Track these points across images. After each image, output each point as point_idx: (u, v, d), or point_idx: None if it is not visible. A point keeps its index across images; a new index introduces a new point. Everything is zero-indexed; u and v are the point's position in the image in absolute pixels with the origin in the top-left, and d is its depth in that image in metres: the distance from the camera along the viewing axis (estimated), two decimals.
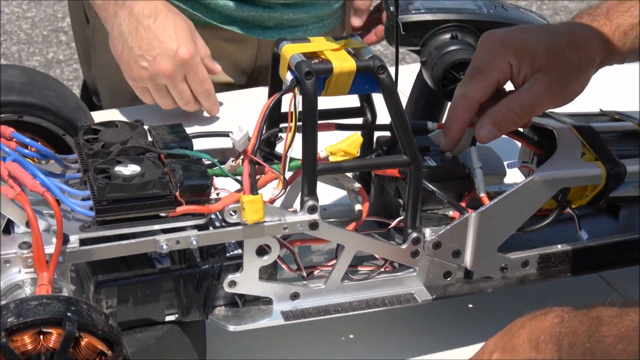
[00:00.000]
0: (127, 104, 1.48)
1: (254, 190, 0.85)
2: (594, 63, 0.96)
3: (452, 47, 1.08)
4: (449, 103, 0.99)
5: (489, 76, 0.95)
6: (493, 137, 0.95)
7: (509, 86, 0.98)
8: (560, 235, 1.02)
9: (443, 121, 1.00)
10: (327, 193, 1.00)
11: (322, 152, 0.90)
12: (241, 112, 1.44)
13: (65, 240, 0.81)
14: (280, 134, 0.96)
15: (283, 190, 0.87)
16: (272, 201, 0.89)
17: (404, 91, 1.33)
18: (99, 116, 1.24)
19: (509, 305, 1.03)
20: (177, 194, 0.85)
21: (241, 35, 1.51)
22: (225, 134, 0.95)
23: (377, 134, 1.01)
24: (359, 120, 1.00)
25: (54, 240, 0.80)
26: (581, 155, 0.99)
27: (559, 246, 1.01)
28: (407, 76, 1.22)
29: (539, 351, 0.80)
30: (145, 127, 0.94)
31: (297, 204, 0.92)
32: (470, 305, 1.06)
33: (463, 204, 0.97)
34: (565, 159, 0.97)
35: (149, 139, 0.92)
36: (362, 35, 1.47)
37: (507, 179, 1.03)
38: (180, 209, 0.85)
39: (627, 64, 1.02)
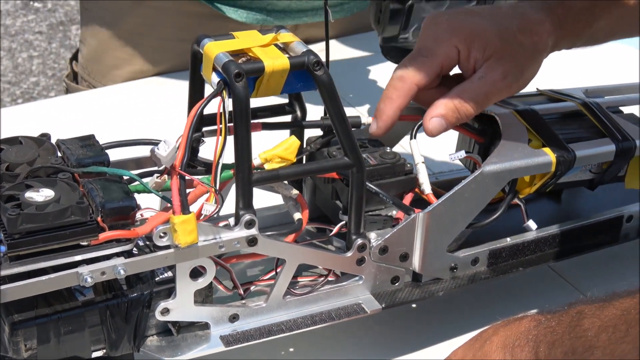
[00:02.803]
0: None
1: (185, 209, 0.76)
2: (547, 48, 0.90)
3: None
4: None
5: (432, 60, 0.87)
6: (443, 130, 0.88)
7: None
8: (507, 226, 0.96)
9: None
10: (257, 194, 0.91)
11: (255, 159, 0.82)
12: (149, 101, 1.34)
13: None
14: (202, 138, 0.88)
15: (218, 207, 0.78)
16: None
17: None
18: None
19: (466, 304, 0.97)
20: (99, 219, 0.75)
21: (241, 26, 1.40)
22: (144, 142, 0.86)
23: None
24: (287, 118, 0.92)
25: None
26: (528, 142, 0.93)
27: (509, 239, 0.95)
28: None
29: (514, 356, 0.74)
30: (53, 142, 0.84)
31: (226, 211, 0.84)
32: (414, 305, 1.00)
33: (407, 203, 0.89)
34: (513, 148, 0.91)
35: (59, 154, 0.83)
36: None
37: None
38: (103, 236, 0.75)
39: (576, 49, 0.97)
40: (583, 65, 1.40)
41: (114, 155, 0.85)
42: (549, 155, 0.91)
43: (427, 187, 0.90)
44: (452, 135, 1.00)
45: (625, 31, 0.98)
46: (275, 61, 0.78)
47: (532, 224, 0.95)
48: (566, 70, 1.01)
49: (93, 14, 1.49)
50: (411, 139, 0.92)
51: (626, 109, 1.05)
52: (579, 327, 0.70)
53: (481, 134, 0.96)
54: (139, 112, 1.38)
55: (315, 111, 0.93)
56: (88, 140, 0.84)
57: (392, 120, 0.89)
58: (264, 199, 1.03)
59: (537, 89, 1.05)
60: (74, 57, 1.56)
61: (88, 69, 1.52)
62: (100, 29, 1.48)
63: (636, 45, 1.56)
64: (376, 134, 0.90)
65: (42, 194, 0.75)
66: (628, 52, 1.54)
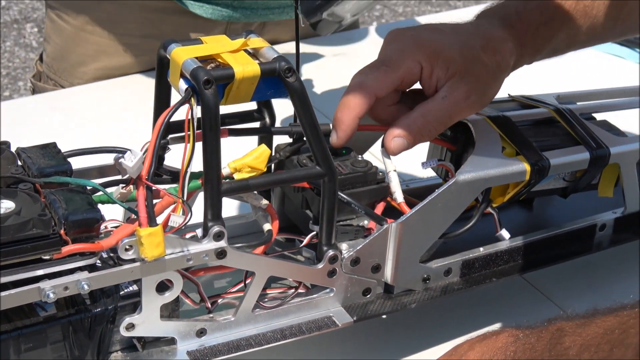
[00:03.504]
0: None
1: (152, 221, 0.73)
2: (509, 66, 0.89)
3: None
4: None
5: (394, 71, 0.85)
6: (404, 150, 0.85)
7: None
8: (479, 235, 0.94)
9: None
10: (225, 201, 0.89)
11: (224, 168, 0.79)
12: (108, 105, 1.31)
13: None
14: (168, 146, 0.85)
15: (186, 219, 0.75)
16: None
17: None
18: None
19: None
20: (62, 231, 0.72)
21: (207, 22, 1.37)
22: (108, 150, 0.83)
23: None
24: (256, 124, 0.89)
25: None
26: (502, 149, 0.91)
27: (482, 249, 0.93)
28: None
29: None
30: (13, 150, 0.80)
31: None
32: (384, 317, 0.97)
33: (379, 213, 0.87)
34: (487, 156, 0.89)
35: (19, 163, 0.79)
36: None
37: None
38: (66, 249, 0.72)
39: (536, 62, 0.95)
40: (555, 71, 1.39)
41: (78, 163, 0.82)
42: (523, 164, 0.89)
43: (399, 196, 0.87)
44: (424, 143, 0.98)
45: (585, 41, 0.97)
46: (245, 67, 0.75)
47: (505, 233, 0.93)
48: (538, 76, 0.99)
49: (56, 11, 1.46)
50: (382, 146, 0.89)
51: (599, 115, 1.03)
52: (559, 345, 0.68)
53: (453, 142, 0.94)
54: (106, 114, 1.35)
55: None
56: (50, 149, 0.81)
57: (351, 129, 0.86)
58: (232, 205, 1.00)
59: (508, 94, 1.03)
60: (40, 58, 1.53)
61: (54, 67, 1.49)
62: (64, 26, 1.45)
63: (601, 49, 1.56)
64: (337, 145, 0.86)
65: (1, 206, 0.72)
66: (601, 58, 1.54)
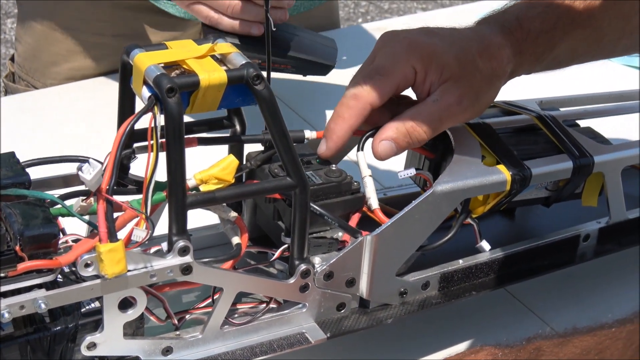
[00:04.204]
0: None
1: (112, 236, 0.69)
2: (505, 74, 0.86)
3: None
4: None
5: (389, 80, 0.82)
6: (392, 154, 0.83)
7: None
8: (459, 246, 0.90)
9: (326, 122, 0.86)
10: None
11: (190, 180, 0.75)
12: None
13: None
14: (134, 154, 0.81)
15: (149, 234, 0.71)
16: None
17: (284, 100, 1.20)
18: None
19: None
20: (17, 247, 0.68)
21: (180, 21, 1.34)
22: (70, 159, 0.80)
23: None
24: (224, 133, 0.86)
25: None
26: (482, 158, 0.88)
27: (461, 261, 0.89)
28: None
29: None
30: None
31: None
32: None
33: (354, 224, 0.84)
34: (466, 166, 0.86)
35: None
36: None
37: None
38: (22, 266, 0.68)
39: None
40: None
41: (42, 172, 0.78)
42: (504, 174, 0.86)
43: (374, 202, 0.84)
44: None
45: (589, 54, 0.93)
46: (211, 75, 0.72)
47: (485, 244, 0.90)
48: (524, 79, 0.96)
49: (28, 10, 1.42)
50: (358, 150, 0.86)
51: (583, 122, 1.00)
52: None
53: (432, 150, 0.91)
54: (78, 116, 1.31)
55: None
56: (8, 159, 0.77)
57: (342, 141, 0.84)
58: (201, 214, 0.97)
59: None
60: (12, 58, 1.50)
61: (25, 68, 1.45)
62: (35, 25, 1.41)
63: None
64: (325, 156, 0.85)
65: None
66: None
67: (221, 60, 0.76)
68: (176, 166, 0.71)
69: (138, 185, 0.81)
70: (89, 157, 0.76)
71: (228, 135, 0.86)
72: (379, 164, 0.90)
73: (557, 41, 0.88)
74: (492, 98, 0.87)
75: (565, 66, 0.93)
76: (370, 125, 0.85)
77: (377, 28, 1.59)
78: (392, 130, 0.82)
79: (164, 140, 0.72)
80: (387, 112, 0.84)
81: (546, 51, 0.88)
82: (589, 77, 1.41)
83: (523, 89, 0.91)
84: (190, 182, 0.75)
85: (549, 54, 0.89)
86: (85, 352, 0.74)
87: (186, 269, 0.74)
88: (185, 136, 0.75)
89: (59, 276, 0.72)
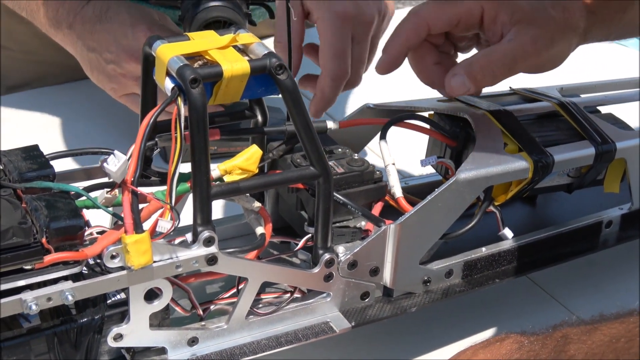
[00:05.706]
0: None
1: (138, 228, 0.69)
2: (578, 28, 0.84)
3: (210, 4, 1.01)
4: None
5: (453, 8, 0.81)
6: (465, 91, 0.81)
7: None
8: (481, 234, 0.90)
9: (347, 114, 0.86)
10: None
11: (214, 170, 0.75)
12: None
13: None
14: (156, 147, 0.81)
15: (174, 225, 0.71)
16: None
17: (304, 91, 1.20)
18: None
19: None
20: (44, 240, 0.68)
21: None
22: (93, 151, 0.80)
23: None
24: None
25: None
26: (504, 146, 0.87)
27: (484, 249, 0.89)
28: None
29: None
30: None
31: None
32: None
33: (376, 213, 0.84)
34: (488, 153, 0.85)
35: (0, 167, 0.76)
36: None
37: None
38: (48, 259, 0.69)
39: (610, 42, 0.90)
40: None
41: (64, 165, 0.79)
42: (526, 161, 0.86)
43: (397, 191, 0.84)
44: (423, 138, 0.94)
45: None
46: (234, 65, 0.72)
47: (508, 232, 0.90)
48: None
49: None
50: (381, 139, 0.86)
51: (604, 109, 1.00)
52: (564, 353, 0.65)
53: (453, 138, 0.90)
54: (95, 110, 1.31)
55: None
56: (32, 151, 0.77)
57: (396, 56, 0.83)
58: (224, 205, 0.97)
59: (510, 87, 0.99)
60: None
61: None
62: None
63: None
64: (379, 72, 0.85)
65: None
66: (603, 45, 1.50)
67: (243, 50, 0.75)
68: (200, 157, 0.71)
69: (161, 177, 0.81)
70: (113, 150, 0.76)
71: (250, 126, 0.86)
72: (398, 154, 0.90)
73: (627, 5, 0.87)
74: (565, 51, 0.85)
75: (630, 37, 0.92)
76: (429, 84, 0.83)
77: None
78: (466, 66, 0.81)
79: (187, 132, 0.72)
80: (443, 67, 0.84)
81: (619, 12, 0.87)
82: (608, 64, 1.41)
83: (543, 76, 0.90)
84: (214, 172, 0.75)
85: (621, 15, 0.87)
86: (111, 344, 0.74)
87: (211, 260, 0.74)
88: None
89: (84, 268, 0.73)
